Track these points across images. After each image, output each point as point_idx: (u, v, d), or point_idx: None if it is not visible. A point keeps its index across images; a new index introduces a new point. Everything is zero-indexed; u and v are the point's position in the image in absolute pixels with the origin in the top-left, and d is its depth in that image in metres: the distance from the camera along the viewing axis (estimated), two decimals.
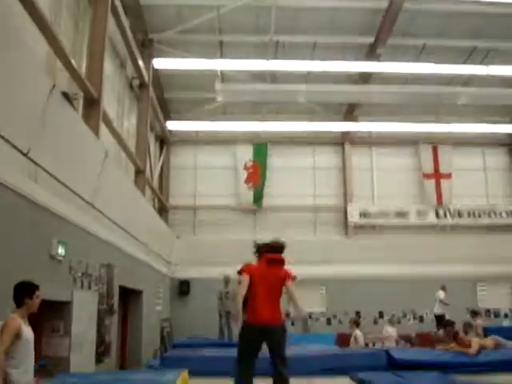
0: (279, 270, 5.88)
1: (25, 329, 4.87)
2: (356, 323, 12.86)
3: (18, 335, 4.74)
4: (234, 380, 5.56)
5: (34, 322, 5.17)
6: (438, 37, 16.39)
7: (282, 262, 5.98)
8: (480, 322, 14.00)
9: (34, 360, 5.09)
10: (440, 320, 15.09)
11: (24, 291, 4.98)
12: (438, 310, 15.86)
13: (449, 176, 21.06)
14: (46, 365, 6.06)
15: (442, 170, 21.10)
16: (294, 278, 5.99)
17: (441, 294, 15.82)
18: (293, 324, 18.58)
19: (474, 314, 14.71)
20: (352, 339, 12.37)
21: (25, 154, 6.73)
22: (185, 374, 5.07)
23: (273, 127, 20.43)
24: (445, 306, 15.60)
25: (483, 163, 21.72)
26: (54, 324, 8.12)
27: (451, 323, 9.31)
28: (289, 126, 20.54)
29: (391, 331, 13.79)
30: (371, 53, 16.67)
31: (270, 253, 5.96)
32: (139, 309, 13.89)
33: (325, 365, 7.82)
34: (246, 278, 5.70)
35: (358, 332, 12.41)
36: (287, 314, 5.78)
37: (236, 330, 10.32)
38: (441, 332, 13.95)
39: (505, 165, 21.89)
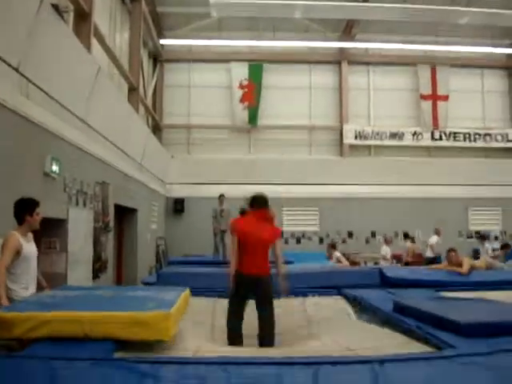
0: (267, 227, 6.10)
1: (25, 245, 4.90)
2: (333, 246, 12.76)
3: (17, 252, 4.78)
4: (226, 322, 5.92)
5: None
6: None
7: (269, 218, 6.24)
8: (410, 244, 13.83)
9: (35, 276, 5.16)
10: (431, 263, 14.95)
11: (23, 208, 4.98)
12: (429, 253, 15.15)
13: (446, 98, 20.78)
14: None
15: (440, 91, 20.79)
16: (280, 235, 6.32)
17: (433, 239, 15.30)
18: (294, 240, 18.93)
19: (406, 236, 14.48)
20: (334, 261, 12.18)
21: (15, 69, 6.55)
22: (187, 292, 5.12)
23: (269, 45, 19.91)
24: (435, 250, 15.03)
25: (481, 86, 21.36)
26: (50, 241, 8.19)
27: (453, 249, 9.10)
28: (285, 43, 20.03)
29: (387, 250, 13.94)
30: None
31: (257, 207, 6.16)
32: (134, 227, 14.02)
33: (317, 283, 7.93)
34: (234, 239, 6.01)
35: (337, 254, 12.35)
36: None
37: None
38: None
39: (503, 88, 21.52)
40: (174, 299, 4.46)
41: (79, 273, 8.92)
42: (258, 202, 6.20)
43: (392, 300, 5.70)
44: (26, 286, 4.91)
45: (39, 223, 5.15)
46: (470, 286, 7.52)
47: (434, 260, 14.55)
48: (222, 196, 13.05)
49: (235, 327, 5.81)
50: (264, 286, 5.93)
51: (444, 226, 16.16)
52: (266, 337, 5.76)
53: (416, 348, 4.09)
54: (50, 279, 6.99)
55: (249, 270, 5.86)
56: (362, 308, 6.36)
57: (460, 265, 8.23)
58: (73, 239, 8.57)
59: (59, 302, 4.40)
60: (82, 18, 10.26)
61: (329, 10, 16.37)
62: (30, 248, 5.00)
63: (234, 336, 5.75)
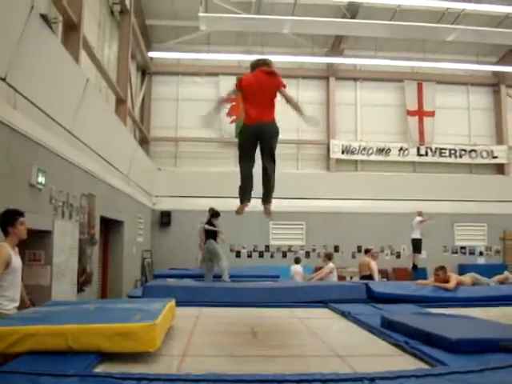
0: (271, 78, 6.14)
1: (14, 257, 4.83)
2: (328, 256, 12.73)
3: (7, 264, 4.71)
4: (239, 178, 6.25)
5: None
6: None
7: (273, 72, 6.23)
8: (373, 261, 13.67)
9: (20, 289, 5.09)
10: (417, 245, 15.28)
11: (5, 220, 4.91)
12: (415, 234, 15.36)
13: (432, 114, 20.97)
14: (28, 294, 6.03)
15: (426, 107, 20.99)
16: (285, 86, 6.24)
17: (418, 218, 15.39)
18: None
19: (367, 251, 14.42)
20: (326, 271, 12.24)
21: (2, 79, 6.50)
22: (172, 302, 5.06)
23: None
24: (424, 226, 15.36)
25: (467, 102, 21.62)
26: (34, 253, 8.09)
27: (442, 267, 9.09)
28: (273, 58, 19.95)
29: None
30: None
31: (260, 65, 6.27)
32: (120, 239, 13.92)
33: (304, 297, 7.89)
34: (235, 90, 6.26)
35: (331, 265, 12.30)
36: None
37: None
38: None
39: (488, 104, 21.77)
40: (160, 310, 4.40)
41: (64, 285, 8.82)
42: (261, 61, 6.33)
43: (379, 315, 5.67)
44: (12, 297, 4.85)
45: (26, 233, 5.09)
46: (457, 302, 7.51)
47: (421, 241, 15.16)
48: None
49: (246, 190, 6.13)
50: (270, 133, 6.05)
51: (429, 241, 16.17)
52: (268, 193, 6.10)
53: (406, 361, 4.05)
54: (34, 292, 6.91)
55: (255, 119, 5.98)
56: (350, 322, 6.32)
57: (447, 281, 8.23)
58: (58, 251, 8.48)
59: (43, 317, 4.32)
60: (71, 29, 10.25)
61: (317, 25, 16.43)
62: (17, 260, 4.94)
63: (245, 197, 6.11)
